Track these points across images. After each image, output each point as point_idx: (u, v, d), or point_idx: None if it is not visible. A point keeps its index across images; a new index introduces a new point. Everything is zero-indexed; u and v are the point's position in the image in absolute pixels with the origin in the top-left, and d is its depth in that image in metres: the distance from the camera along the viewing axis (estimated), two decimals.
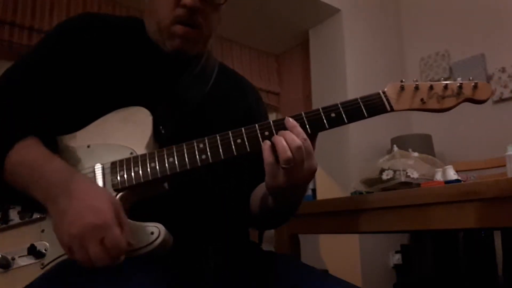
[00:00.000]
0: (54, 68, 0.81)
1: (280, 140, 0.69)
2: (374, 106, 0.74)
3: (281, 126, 0.73)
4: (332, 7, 3.17)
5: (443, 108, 0.75)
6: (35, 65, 0.81)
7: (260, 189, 0.88)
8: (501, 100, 2.83)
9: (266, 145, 0.70)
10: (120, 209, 0.64)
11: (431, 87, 0.75)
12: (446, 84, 0.74)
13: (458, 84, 0.74)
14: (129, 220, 0.68)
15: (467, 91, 0.74)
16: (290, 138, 0.69)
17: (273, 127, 0.73)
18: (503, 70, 2.85)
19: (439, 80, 0.76)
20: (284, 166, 0.68)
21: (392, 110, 0.75)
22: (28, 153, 0.71)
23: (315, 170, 0.71)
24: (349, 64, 3.12)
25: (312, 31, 3.47)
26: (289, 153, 0.67)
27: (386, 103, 0.74)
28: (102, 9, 3.01)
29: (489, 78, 2.89)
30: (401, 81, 0.76)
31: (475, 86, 0.74)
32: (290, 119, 0.72)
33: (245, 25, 3.32)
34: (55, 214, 0.64)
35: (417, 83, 0.75)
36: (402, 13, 3.57)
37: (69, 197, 0.63)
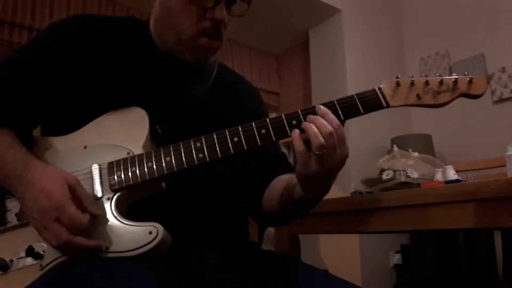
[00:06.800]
0: (42, 68, 0.80)
1: (311, 126, 0.69)
2: (370, 102, 0.74)
3: (276, 125, 0.72)
4: (332, 7, 3.17)
5: (438, 103, 0.74)
6: (23, 62, 0.81)
7: (278, 183, 0.87)
8: (501, 100, 2.83)
9: (295, 133, 0.70)
10: (77, 185, 0.68)
11: (426, 83, 0.74)
12: (442, 79, 0.74)
13: (453, 79, 0.74)
14: (126, 221, 0.69)
15: (462, 86, 0.74)
16: (321, 124, 0.68)
17: (269, 125, 0.73)
18: (503, 70, 2.84)
19: None
20: (316, 152, 0.68)
21: (388, 106, 0.74)
22: None
23: (346, 156, 0.71)
24: (349, 64, 3.11)
25: (312, 31, 3.47)
26: (321, 139, 0.67)
27: (382, 99, 0.74)
28: (102, 9, 3.01)
29: (489, 78, 2.89)
30: (397, 77, 0.75)
31: (470, 81, 0.74)
32: (322, 107, 0.72)
33: (245, 25, 3.32)
34: (20, 201, 0.70)
35: (412, 78, 0.75)
36: (402, 13, 3.57)
37: (24, 186, 0.68)
